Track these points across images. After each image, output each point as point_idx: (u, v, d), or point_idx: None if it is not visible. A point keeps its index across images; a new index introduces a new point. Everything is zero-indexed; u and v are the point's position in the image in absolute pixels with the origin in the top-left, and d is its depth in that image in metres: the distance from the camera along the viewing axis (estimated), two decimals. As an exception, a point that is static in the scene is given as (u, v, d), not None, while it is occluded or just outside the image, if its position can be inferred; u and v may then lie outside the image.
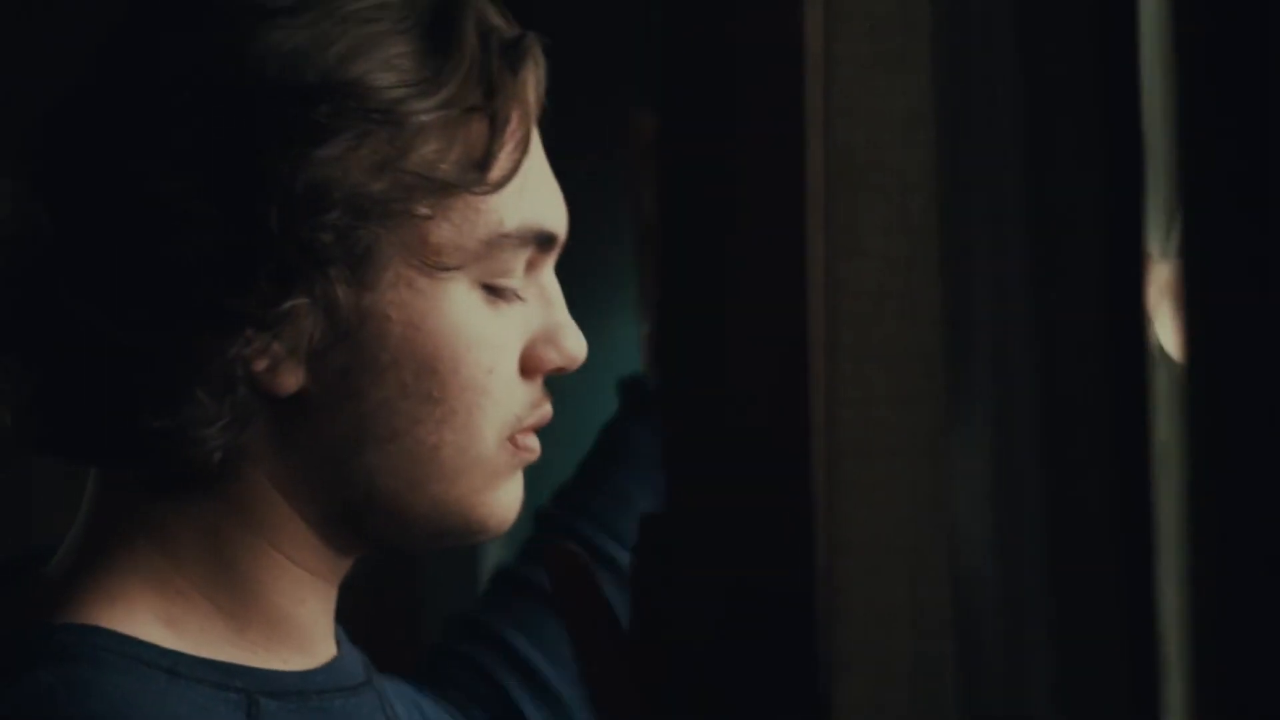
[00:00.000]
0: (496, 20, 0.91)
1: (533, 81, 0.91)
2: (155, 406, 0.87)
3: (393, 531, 0.93)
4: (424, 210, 0.88)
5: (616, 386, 1.24)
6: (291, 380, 0.89)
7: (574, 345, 0.94)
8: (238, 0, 0.88)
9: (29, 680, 0.85)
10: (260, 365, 0.88)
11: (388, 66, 0.87)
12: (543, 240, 0.92)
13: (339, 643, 0.97)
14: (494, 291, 0.91)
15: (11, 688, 0.85)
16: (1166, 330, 1.07)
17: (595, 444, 1.23)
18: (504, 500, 0.94)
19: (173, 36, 0.88)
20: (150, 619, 0.89)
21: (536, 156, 0.93)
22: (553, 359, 0.93)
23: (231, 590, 0.91)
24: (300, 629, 0.93)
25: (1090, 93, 1.06)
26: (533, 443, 0.94)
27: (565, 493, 1.21)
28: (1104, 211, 1.07)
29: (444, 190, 0.88)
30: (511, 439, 0.93)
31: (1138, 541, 1.09)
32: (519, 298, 0.92)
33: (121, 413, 0.88)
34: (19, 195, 0.90)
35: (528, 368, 0.93)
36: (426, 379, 0.90)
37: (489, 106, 0.89)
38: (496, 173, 0.89)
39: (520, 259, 0.92)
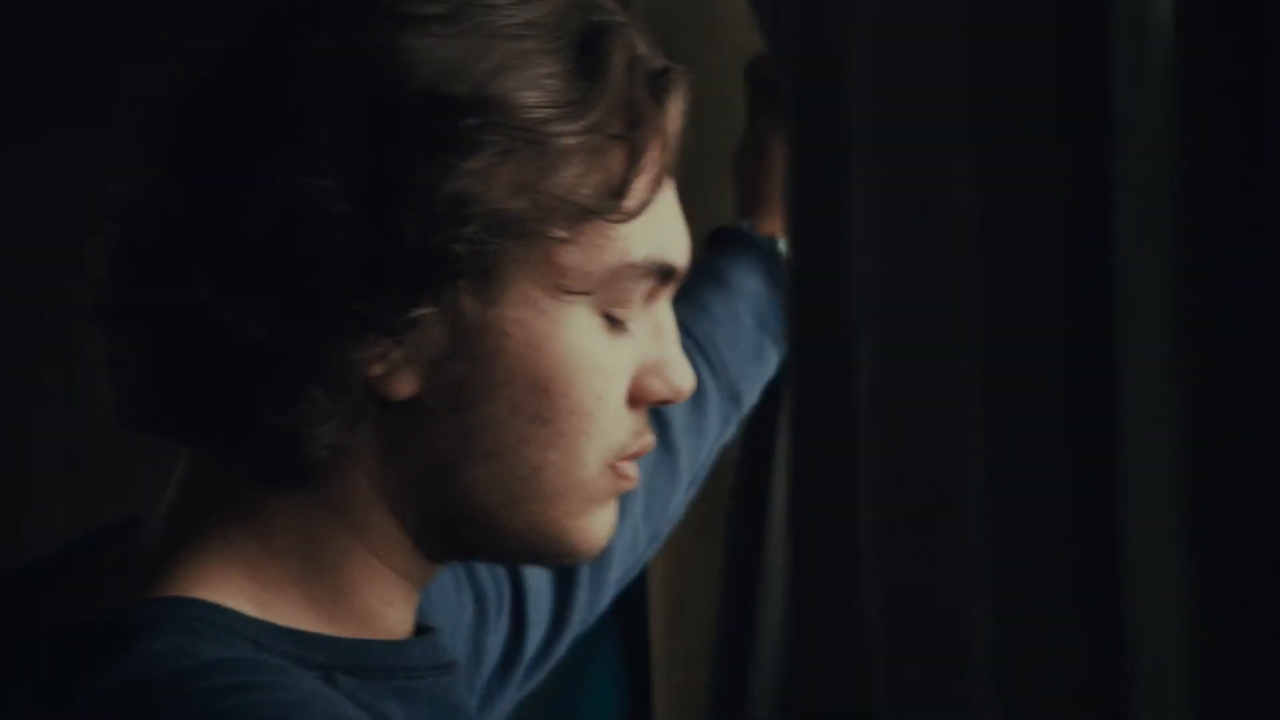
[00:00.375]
0: (644, 49, 0.92)
1: (675, 114, 0.92)
2: (270, 400, 0.87)
3: (485, 546, 0.94)
4: (559, 233, 0.89)
5: (708, 236, 1.41)
6: (406, 387, 0.89)
7: (681, 379, 0.95)
8: (388, 5, 0.88)
9: (120, 657, 0.84)
10: (377, 370, 0.88)
11: (535, 85, 0.88)
12: (664, 273, 0.93)
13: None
14: (611, 320, 0.92)
15: (111, 664, 0.84)
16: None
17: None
18: (598, 526, 0.94)
19: (320, 35, 0.87)
20: (241, 599, 0.89)
21: (668, 189, 0.94)
22: (660, 391, 0.94)
23: (323, 584, 0.91)
24: (386, 628, 0.93)
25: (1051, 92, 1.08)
26: (632, 470, 0.95)
27: None
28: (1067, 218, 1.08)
29: (580, 216, 0.89)
30: (612, 466, 0.93)
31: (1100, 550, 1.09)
32: (628, 330, 0.93)
33: (234, 402, 0.88)
34: (147, 166, 0.89)
35: (634, 397, 0.94)
36: (537, 399, 0.90)
37: (631, 136, 0.90)
38: (632, 202, 0.90)
39: (641, 289, 0.93)
